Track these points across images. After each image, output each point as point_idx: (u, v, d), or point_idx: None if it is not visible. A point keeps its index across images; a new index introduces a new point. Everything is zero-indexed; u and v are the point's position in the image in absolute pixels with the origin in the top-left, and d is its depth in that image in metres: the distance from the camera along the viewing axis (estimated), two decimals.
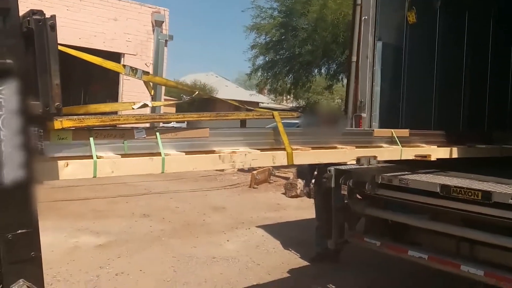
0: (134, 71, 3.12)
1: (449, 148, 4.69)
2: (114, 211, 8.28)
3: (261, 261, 5.93)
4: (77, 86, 17.11)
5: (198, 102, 17.72)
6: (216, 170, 14.42)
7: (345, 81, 19.98)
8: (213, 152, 3.04)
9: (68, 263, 5.55)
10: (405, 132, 4.47)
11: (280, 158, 3.35)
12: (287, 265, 5.79)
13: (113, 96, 14.76)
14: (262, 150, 3.29)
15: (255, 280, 5.26)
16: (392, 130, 4.30)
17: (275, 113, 3.49)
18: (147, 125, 3.08)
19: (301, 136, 3.60)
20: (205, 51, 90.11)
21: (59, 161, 2.38)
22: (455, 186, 3.94)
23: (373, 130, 4.41)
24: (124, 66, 3.14)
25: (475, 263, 4.00)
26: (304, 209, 9.18)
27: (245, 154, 3.15)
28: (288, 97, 38.37)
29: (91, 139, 2.53)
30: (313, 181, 6.30)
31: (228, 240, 6.80)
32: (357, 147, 3.91)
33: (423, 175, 4.51)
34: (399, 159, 4.29)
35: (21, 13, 2.12)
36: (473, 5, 6.54)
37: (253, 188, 11.32)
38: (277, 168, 12.92)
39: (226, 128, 3.35)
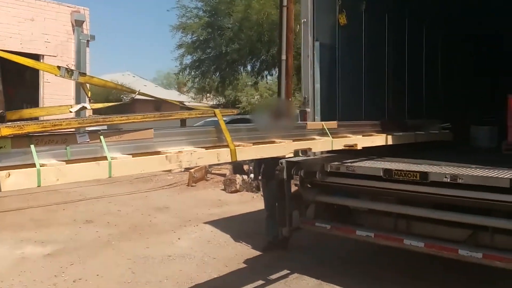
0: (69, 72, 3.13)
1: (371, 137, 5.18)
2: (54, 220, 8.06)
3: (215, 255, 6.14)
4: None
5: (116, 105, 17.36)
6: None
7: (268, 78, 20.75)
8: (158, 153, 3.09)
9: (19, 274, 5.42)
10: (333, 124, 4.87)
11: (224, 155, 3.48)
12: (241, 257, 6.05)
13: (32, 100, 14.07)
14: (207, 148, 3.40)
15: (214, 273, 5.47)
16: (323, 122, 4.66)
17: (217, 111, 3.64)
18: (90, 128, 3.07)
19: (242, 133, 3.79)
20: (118, 51, 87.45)
21: (0, 172, 2.30)
22: (396, 169, 4.45)
23: (306, 123, 4.71)
24: (59, 67, 3.12)
25: (416, 237, 4.55)
26: (245, 203, 9.53)
27: (191, 153, 3.21)
28: (208, 95, 38.56)
29: (32, 146, 2.46)
30: (260, 175, 6.62)
31: (179, 238, 6.94)
32: (294, 140, 4.16)
33: (366, 162, 5.00)
34: (331, 149, 4.67)
35: None
36: (391, 8, 7.22)
37: (191, 186, 11.45)
38: (212, 165, 13.14)
39: (169, 128, 3.42)
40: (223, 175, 12.07)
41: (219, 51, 17.20)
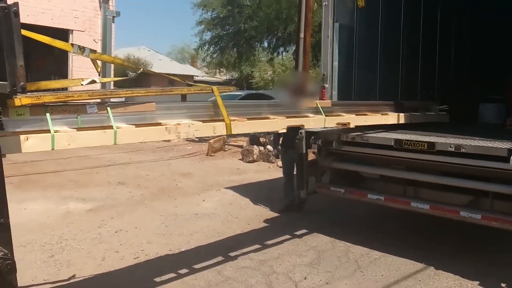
0: (82, 49, 3.27)
1: (365, 116, 5.44)
2: (90, 181, 8.81)
3: (238, 214, 6.83)
4: None
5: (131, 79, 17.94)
6: (166, 141, 15.08)
7: (284, 54, 21.24)
8: (159, 124, 3.35)
9: (67, 225, 6.14)
10: (327, 103, 5.15)
11: (220, 128, 3.70)
12: (261, 217, 6.73)
13: (62, 73, 14.78)
14: (203, 121, 3.63)
15: (238, 229, 6.17)
16: (317, 101, 4.91)
17: (214, 88, 3.85)
18: (99, 100, 3.29)
19: (237, 108, 4.02)
20: (134, 25, 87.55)
21: (20, 136, 2.61)
22: (406, 140, 5.05)
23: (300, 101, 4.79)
24: (72, 45, 3.26)
25: (422, 200, 5.16)
26: (262, 172, 10.21)
27: (189, 126, 3.46)
28: (222, 70, 39.02)
29: (48, 114, 2.73)
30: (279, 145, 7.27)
31: (203, 200, 7.64)
32: (287, 117, 4.40)
33: (379, 133, 5.60)
34: (323, 127, 5.00)
35: None
36: None
37: (211, 156, 12.14)
38: (229, 137, 13.81)
39: (170, 102, 3.71)
40: (240, 146, 12.75)
41: (237, 28, 17.73)
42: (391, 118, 5.83)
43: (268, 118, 4.23)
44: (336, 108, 5.16)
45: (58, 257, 5.01)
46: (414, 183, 5.34)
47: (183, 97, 3.87)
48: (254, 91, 22.08)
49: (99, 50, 15.16)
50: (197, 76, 43.66)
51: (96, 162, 10.82)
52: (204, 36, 18.95)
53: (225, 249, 5.31)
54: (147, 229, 6.07)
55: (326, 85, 6.14)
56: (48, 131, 2.72)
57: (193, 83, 4.06)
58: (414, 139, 5.03)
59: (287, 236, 5.82)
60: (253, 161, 11.10)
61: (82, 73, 13.78)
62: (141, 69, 3.81)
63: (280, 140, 7.27)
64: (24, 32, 2.56)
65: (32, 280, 4.42)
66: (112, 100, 3.45)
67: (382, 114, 5.69)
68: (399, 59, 7.71)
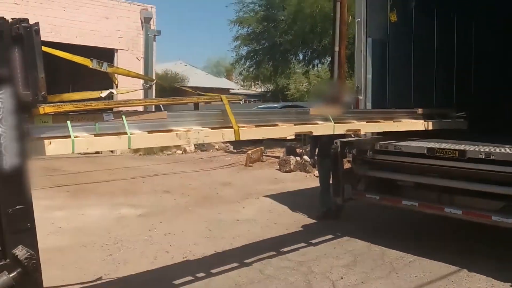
0: (100, 64, 3.44)
1: (377, 123, 5.54)
2: (138, 189, 9.41)
3: (276, 221, 7.21)
4: (65, 82, 17.83)
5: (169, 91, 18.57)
6: (209, 152, 15.65)
7: (319, 66, 21.64)
8: (171, 131, 3.53)
9: (121, 228, 6.68)
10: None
11: (228, 134, 3.83)
12: (299, 223, 7.09)
13: (108, 87, 15.59)
14: (212, 128, 3.78)
15: (277, 234, 6.54)
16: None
17: (223, 96, 3.99)
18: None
19: (246, 116, 4.17)
20: (171, 39, 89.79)
21: (44, 140, 2.89)
22: (438, 148, 5.34)
23: (309, 110, 4.89)
24: (91, 60, 3.44)
25: (455, 206, 5.38)
26: (299, 181, 10.59)
27: (198, 132, 3.63)
28: (257, 82, 39.63)
29: (68, 122, 3.00)
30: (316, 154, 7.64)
31: (244, 207, 8.07)
32: (295, 124, 4.49)
33: (411, 142, 5.89)
34: (333, 133, 5.06)
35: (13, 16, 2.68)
36: (440, 4, 7.94)
37: (249, 166, 12.60)
38: (268, 147, 14.29)
39: (182, 110, 3.94)
40: (277, 157, 13.16)
41: (272, 42, 18.30)
42: (404, 125, 5.89)
43: (276, 125, 4.34)
44: (348, 115, 5.25)
45: (116, 256, 5.52)
46: (447, 190, 5.56)
47: (196, 106, 4.12)
48: (290, 103, 22.53)
49: (141, 67, 16.02)
50: (233, 89, 44.56)
51: (141, 172, 11.47)
52: (240, 51, 19.74)
53: (265, 251, 5.68)
54: (193, 232, 6.53)
55: (360, 97, 6.48)
56: (69, 136, 2.99)
57: (204, 93, 4.21)
58: (446, 147, 5.30)
59: (324, 240, 6.16)
60: (290, 171, 11.49)
61: (125, 87, 14.51)
62: (155, 81, 4.08)
63: (317, 150, 7.63)
64: (45, 48, 2.82)
65: (94, 275, 4.92)
66: (126, 109, 3.75)
67: (394, 121, 5.74)
68: (432, 70, 7.96)
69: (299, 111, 5.16)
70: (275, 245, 5.88)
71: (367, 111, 6.23)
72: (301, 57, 19.97)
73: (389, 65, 7.06)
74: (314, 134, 4.91)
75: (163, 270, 5.12)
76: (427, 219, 6.63)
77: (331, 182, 7.23)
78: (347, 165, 6.63)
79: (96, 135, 3.15)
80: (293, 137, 4.51)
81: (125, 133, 3.23)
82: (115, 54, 15.74)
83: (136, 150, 15.30)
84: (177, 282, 4.75)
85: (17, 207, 2.60)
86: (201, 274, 4.93)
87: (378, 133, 6.45)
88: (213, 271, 5.01)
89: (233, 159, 14.06)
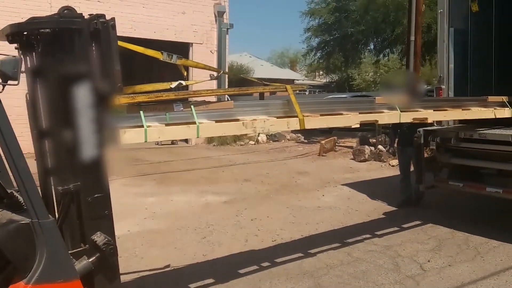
0: (170, 56, 3.51)
1: (444, 112, 5.41)
2: (219, 178, 9.94)
3: (357, 208, 7.44)
4: (141, 76, 18.84)
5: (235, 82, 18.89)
6: (281, 143, 16.03)
7: (390, 55, 21.37)
8: (237, 120, 3.60)
9: (210, 213, 7.16)
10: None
11: (293, 123, 3.86)
12: (380, 210, 7.28)
13: (182, 79, 16.38)
14: (278, 117, 3.84)
15: (359, 220, 6.78)
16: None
17: (288, 86, 4.03)
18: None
19: (310, 105, 4.19)
20: (236, 31, 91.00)
21: (120, 130, 2.96)
22: None
23: (375, 98, 4.87)
24: (162, 52, 3.50)
25: None
26: (374, 170, 10.71)
27: (264, 121, 3.68)
28: (321, 73, 39.52)
29: (141, 112, 3.13)
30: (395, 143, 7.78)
31: (323, 195, 8.35)
32: (360, 113, 4.44)
33: (495, 130, 5.93)
34: (399, 121, 5.01)
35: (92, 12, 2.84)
36: None
37: (322, 156, 12.83)
38: (339, 137, 14.46)
39: (248, 100, 4.11)
40: (350, 147, 13.30)
41: (344, 32, 18.35)
42: (473, 113, 5.74)
43: (341, 114, 4.33)
44: (415, 104, 5.09)
45: (209, 239, 5.98)
46: None
47: (261, 96, 4.25)
48: (358, 93, 22.39)
49: (215, 59, 16.61)
50: (297, 79, 44.68)
51: (219, 162, 12.03)
52: (311, 42, 19.97)
53: (350, 235, 5.95)
54: (278, 218, 6.90)
55: (443, 86, 6.55)
56: (142, 126, 3.12)
57: (269, 83, 4.17)
58: None
59: (408, 227, 6.32)
60: (365, 160, 11.62)
61: (200, 78, 15.17)
62: (221, 71, 4.14)
63: (397, 139, 7.77)
64: (120, 43, 2.91)
65: (194, 255, 5.38)
66: (195, 99, 3.74)
67: (463, 109, 5.61)
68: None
69: (364, 100, 5.14)
70: (359, 231, 6.14)
71: (435, 99, 6.23)
72: (372, 46, 19.92)
73: (471, 55, 7.05)
74: (380, 122, 4.88)
75: (256, 252, 5.50)
76: (508, 207, 6.62)
77: (411, 170, 7.39)
78: (428, 153, 6.75)
79: (167, 124, 3.27)
80: (358, 125, 4.43)
81: (194, 123, 3.33)
82: (190, 47, 16.38)
83: (210, 141, 15.99)
84: (269, 263, 5.07)
85: (96, 195, 2.69)
86: (292, 256, 5.25)
87: (460, 122, 6.51)
88: (303, 253, 5.33)
89: (306, 149, 14.34)
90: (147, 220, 6.83)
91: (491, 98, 6.05)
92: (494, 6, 7.30)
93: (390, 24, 16.66)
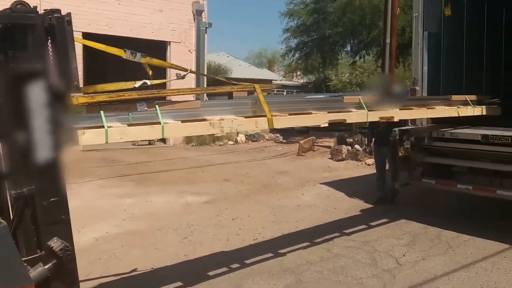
0: (133, 54, 3.40)
1: (410, 111, 5.52)
2: (199, 178, 10.01)
3: (335, 206, 7.62)
4: (114, 76, 18.69)
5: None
6: (260, 143, 16.16)
7: (366, 57, 21.78)
8: (205, 120, 3.56)
9: (190, 214, 7.22)
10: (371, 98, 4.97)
11: (262, 123, 3.84)
12: (357, 208, 7.48)
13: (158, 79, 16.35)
14: (246, 117, 3.79)
15: (338, 217, 6.96)
16: (360, 97, 4.87)
17: (256, 86, 3.98)
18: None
19: (279, 104, 4.17)
20: (213, 31, 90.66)
21: (78, 131, 2.89)
22: (492, 135, 5.63)
23: (343, 97, 4.93)
24: (125, 50, 3.39)
25: (506, 188, 5.70)
26: (351, 169, 10.95)
27: (232, 121, 3.63)
28: (299, 73, 39.88)
29: (102, 112, 3.02)
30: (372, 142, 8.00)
31: (303, 194, 8.51)
32: (329, 112, 4.46)
33: (465, 129, 6.18)
34: (366, 121, 5.15)
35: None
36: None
37: (301, 155, 13.03)
38: (317, 137, 14.68)
39: (215, 100, 4.17)
40: (328, 146, 13.53)
41: (322, 34, 18.64)
42: (438, 112, 5.91)
43: (310, 113, 4.33)
44: (398, 104, 5.20)
45: (191, 239, 6.03)
46: (499, 174, 5.86)
47: (230, 95, 4.25)
48: (336, 94, 22.73)
49: (193, 59, 16.62)
50: (275, 80, 44.93)
51: (197, 162, 12.08)
52: (289, 42, 20.28)
53: (329, 232, 6.12)
54: (259, 217, 7.01)
55: (417, 88, 6.79)
56: (103, 126, 3.02)
57: (237, 83, 4.10)
58: (500, 134, 5.60)
59: (383, 223, 6.55)
60: (342, 159, 11.86)
61: (178, 81, 15.17)
62: (189, 70, 3.91)
63: (373, 138, 8.00)
64: (78, 39, 2.84)
65: (175, 255, 5.42)
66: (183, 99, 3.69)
67: (428, 108, 5.75)
68: (482, 62, 8.15)
69: (333, 99, 5.12)
70: (338, 227, 6.31)
71: (402, 99, 6.34)
72: (348, 48, 20.31)
73: (444, 57, 7.31)
74: (348, 121, 4.83)
75: (237, 251, 5.60)
76: (477, 203, 6.96)
77: (387, 168, 7.62)
78: (403, 152, 6.98)
79: (129, 125, 3.18)
80: (326, 125, 4.44)
81: (159, 123, 3.27)
82: (168, 46, 16.32)
83: (188, 141, 16.01)
84: (251, 261, 5.18)
85: (52, 199, 2.59)
86: (273, 254, 5.38)
87: (433, 122, 6.77)
88: (284, 250, 5.47)
89: (285, 149, 14.52)
90: (126, 221, 6.83)
91: (455, 97, 6.23)
92: (465, 11, 7.57)
93: (366, 26, 17.04)
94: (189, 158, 12.96)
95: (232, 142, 16.11)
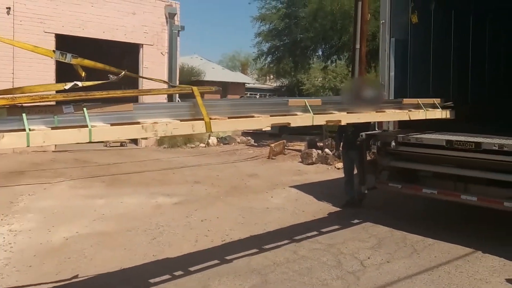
0: (63, 55, 3.30)
1: (357, 114, 5.34)
2: (170, 180, 9.98)
3: (304, 208, 7.72)
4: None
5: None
6: (232, 146, 16.19)
7: (337, 62, 22.06)
8: (137, 123, 3.48)
9: (160, 215, 7.22)
10: (317, 101, 4.98)
11: (199, 126, 3.74)
12: (325, 211, 7.60)
13: (132, 84, 16.20)
14: (182, 120, 3.70)
15: (306, 220, 7.05)
16: (305, 100, 4.79)
17: (194, 88, 3.89)
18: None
19: (219, 108, 4.05)
20: (186, 33, 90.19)
21: None
22: (456, 140, 5.81)
23: (288, 101, 4.75)
24: (54, 51, 3.30)
25: (470, 193, 5.88)
26: (321, 173, 11.09)
27: (166, 124, 3.54)
28: (272, 77, 40.07)
29: (24, 114, 2.92)
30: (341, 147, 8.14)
31: (272, 197, 8.59)
32: (271, 115, 4.35)
33: (430, 135, 6.36)
34: (312, 124, 4.89)
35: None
36: (457, 6, 8.36)
37: (272, 159, 13.12)
38: (288, 141, 14.80)
39: (150, 102, 3.96)
40: (299, 150, 13.66)
41: (294, 38, 18.85)
42: (387, 115, 5.94)
43: (252, 116, 4.24)
44: (329, 106, 5.10)
45: (160, 239, 6.06)
46: (463, 178, 6.04)
47: (169, 98, 4.11)
48: (309, 98, 22.96)
49: (166, 61, 16.58)
50: (248, 83, 45.04)
51: (169, 164, 12.05)
52: (261, 46, 20.42)
53: (296, 234, 6.21)
54: (228, 219, 7.06)
55: (384, 93, 6.94)
56: (24, 129, 2.92)
57: (175, 85, 4.03)
58: (464, 140, 5.77)
59: (350, 226, 6.67)
60: (312, 163, 12.00)
61: (151, 84, 15.08)
62: (123, 72, 3.73)
63: (342, 143, 8.13)
64: (4, 39, 2.83)
65: (144, 256, 5.45)
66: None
67: (377, 112, 5.65)
68: (449, 67, 8.39)
69: (277, 102, 4.96)
70: (305, 230, 6.40)
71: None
72: (320, 53, 20.58)
73: (411, 63, 7.50)
74: (292, 125, 4.63)
75: (205, 252, 5.64)
76: (445, 207, 7.12)
77: (355, 172, 7.76)
78: (370, 156, 7.14)
79: (53, 128, 3.08)
80: (269, 128, 4.37)
81: (86, 126, 3.18)
82: (141, 49, 16.29)
83: (160, 143, 15.94)
84: (219, 262, 5.24)
85: None
86: (240, 255, 5.43)
87: (400, 127, 6.94)
88: (251, 252, 5.53)
89: (256, 152, 14.60)
90: (96, 222, 6.81)
91: (406, 101, 6.18)
92: (432, 18, 7.79)
93: (337, 31, 17.32)
94: (161, 160, 12.92)
95: (204, 145, 16.10)
